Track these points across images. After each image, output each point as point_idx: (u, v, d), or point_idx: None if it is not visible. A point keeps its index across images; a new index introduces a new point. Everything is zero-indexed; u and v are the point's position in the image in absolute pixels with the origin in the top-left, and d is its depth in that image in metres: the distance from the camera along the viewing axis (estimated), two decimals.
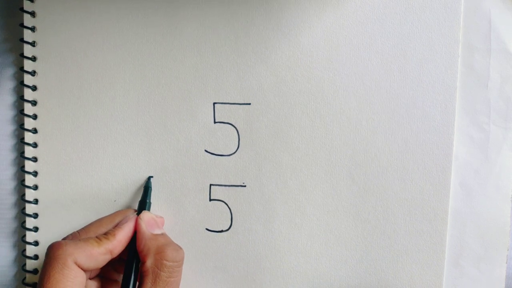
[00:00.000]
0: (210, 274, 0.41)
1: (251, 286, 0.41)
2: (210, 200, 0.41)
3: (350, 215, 0.40)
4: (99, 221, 0.38)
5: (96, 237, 0.36)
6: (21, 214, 0.42)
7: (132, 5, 0.41)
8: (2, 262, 0.43)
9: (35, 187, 0.42)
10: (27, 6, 0.41)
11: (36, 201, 0.42)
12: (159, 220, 0.39)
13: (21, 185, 0.42)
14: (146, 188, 0.40)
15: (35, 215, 0.41)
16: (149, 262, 0.35)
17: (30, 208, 0.41)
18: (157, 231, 0.38)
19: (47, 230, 0.42)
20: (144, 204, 0.39)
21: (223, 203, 0.41)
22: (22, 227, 0.42)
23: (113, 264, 0.38)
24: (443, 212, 0.40)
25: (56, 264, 0.33)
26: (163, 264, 0.35)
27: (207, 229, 0.41)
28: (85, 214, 0.41)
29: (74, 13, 0.41)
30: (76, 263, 0.34)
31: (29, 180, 0.41)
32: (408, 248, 0.40)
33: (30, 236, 0.42)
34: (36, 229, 0.42)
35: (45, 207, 0.42)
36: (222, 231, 0.41)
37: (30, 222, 0.42)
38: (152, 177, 0.41)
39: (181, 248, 0.37)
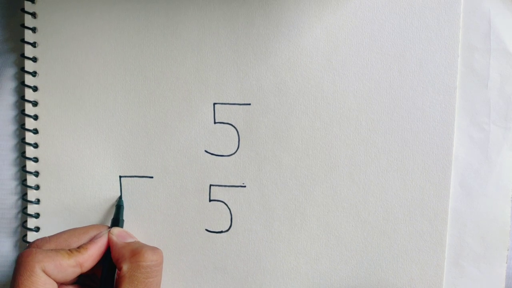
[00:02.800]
0: (210, 275, 0.41)
1: (251, 286, 0.41)
2: (210, 200, 0.41)
3: (350, 215, 0.40)
4: (72, 231, 0.38)
5: (69, 249, 0.36)
6: (22, 214, 0.42)
7: (133, 6, 0.41)
8: (2, 262, 0.43)
9: (37, 187, 0.42)
10: (28, 7, 0.41)
11: (37, 201, 0.42)
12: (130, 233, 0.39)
13: (22, 185, 0.42)
14: (118, 207, 0.41)
15: (37, 215, 0.42)
16: (125, 267, 0.35)
17: (31, 208, 0.42)
18: (130, 240, 0.38)
19: (48, 230, 0.42)
20: (117, 222, 0.39)
21: (223, 204, 0.41)
22: (23, 227, 0.42)
23: (91, 278, 0.38)
24: (443, 212, 0.40)
25: (24, 271, 0.33)
26: (140, 266, 0.35)
27: (206, 229, 0.41)
28: (86, 214, 0.42)
29: (75, 14, 0.41)
30: (44, 271, 0.33)
31: (31, 180, 0.42)
32: (408, 248, 0.40)
33: (31, 236, 0.42)
34: (37, 229, 0.42)
35: (46, 207, 0.42)
36: (222, 231, 0.41)
37: (31, 222, 0.42)
38: (121, 196, 0.41)
39: (158, 249, 0.37)
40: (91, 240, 0.37)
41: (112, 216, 0.40)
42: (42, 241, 0.36)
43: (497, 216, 0.40)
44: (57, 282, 0.35)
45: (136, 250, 0.35)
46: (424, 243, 0.40)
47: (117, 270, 0.36)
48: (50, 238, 0.37)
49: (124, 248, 0.36)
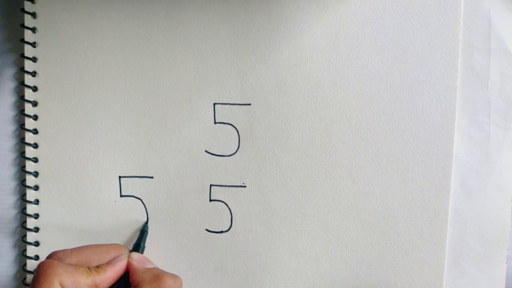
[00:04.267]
0: (210, 275, 0.41)
1: (251, 286, 0.41)
2: (210, 200, 0.41)
3: (350, 215, 0.40)
4: (95, 247, 0.38)
5: (88, 267, 0.36)
6: (22, 214, 0.42)
7: (133, 6, 0.41)
8: (2, 262, 0.43)
9: (36, 188, 0.42)
10: (27, 7, 0.41)
11: (37, 202, 0.42)
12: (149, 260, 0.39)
13: (21, 185, 0.42)
14: (142, 232, 0.41)
15: (36, 216, 0.42)
16: None
17: (31, 209, 0.42)
18: (149, 266, 0.38)
19: (48, 230, 0.42)
20: (138, 247, 0.40)
21: (223, 204, 0.41)
22: (22, 227, 0.42)
23: None
24: (443, 212, 0.40)
25: (44, 282, 0.34)
26: None
27: (207, 229, 0.41)
28: (86, 214, 0.41)
29: (75, 14, 0.41)
30: (61, 285, 0.34)
31: (30, 180, 0.42)
32: (408, 248, 0.40)
33: (30, 236, 0.42)
34: (37, 230, 0.42)
35: (46, 207, 0.42)
36: (222, 231, 0.41)
37: (31, 223, 0.42)
38: (147, 222, 0.41)
39: (178, 276, 0.37)
40: (110, 262, 0.37)
41: (114, 210, 0.40)
42: (64, 254, 0.37)
43: (497, 216, 0.40)
44: None
45: (158, 276, 0.36)
46: (424, 243, 0.40)
47: None
48: (72, 251, 0.37)
49: (145, 273, 0.37)
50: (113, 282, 0.37)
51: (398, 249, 0.40)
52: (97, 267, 0.37)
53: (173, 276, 0.37)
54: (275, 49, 0.40)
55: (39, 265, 0.35)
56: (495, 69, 0.39)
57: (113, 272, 0.37)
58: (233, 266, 0.41)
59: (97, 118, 0.41)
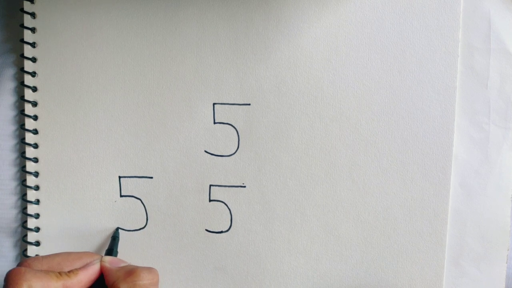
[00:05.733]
0: (210, 275, 0.41)
1: (251, 286, 0.41)
2: (210, 200, 0.41)
3: (350, 215, 0.40)
4: (66, 255, 0.37)
5: (58, 272, 0.35)
6: (22, 214, 0.42)
7: (132, 6, 0.41)
8: (2, 262, 0.43)
9: (36, 188, 0.42)
10: (27, 7, 0.41)
11: (37, 202, 0.42)
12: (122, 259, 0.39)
13: (22, 185, 0.42)
14: (114, 238, 0.41)
15: (37, 216, 0.42)
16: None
17: (31, 209, 0.42)
18: (123, 264, 0.37)
19: (48, 230, 0.42)
20: (111, 252, 0.39)
21: (222, 204, 0.41)
22: (23, 227, 0.42)
23: None
24: (443, 212, 0.40)
25: None
26: (136, 285, 0.35)
27: (206, 230, 0.41)
28: (86, 214, 0.42)
29: (74, 14, 0.41)
30: None
31: (30, 180, 0.42)
32: (408, 248, 0.40)
33: (31, 236, 0.42)
34: (37, 230, 0.42)
35: (46, 207, 0.42)
36: (221, 232, 0.41)
37: (31, 223, 0.42)
38: (118, 228, 0.41)
39: (153, 268, 0.37)
40: (83, 267, 0.37)
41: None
42: (35, 261, 0.36)
43: (497, 216, 0.40)
44: None
45: (132, 271, 0.36)
46: (424, 243, 0.40)
47: None
48: (43, 258, 0.37)
49: (118, 271, 0.36)
50: (86, 286, 0.36)
51: (398, 249, 0.40)
52: (69, 271, 0.36)
53: (148, 268, 0.36)
54: (275, 49, 0.40)
55: (7, 273, 0.34)
56: (495, 69, 0.39)
57: (86, 276, 0.36)
58: (233, 266, 0.41)
59: (97, 118, 0.41)
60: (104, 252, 0.41)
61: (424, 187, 0.40)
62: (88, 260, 0.37)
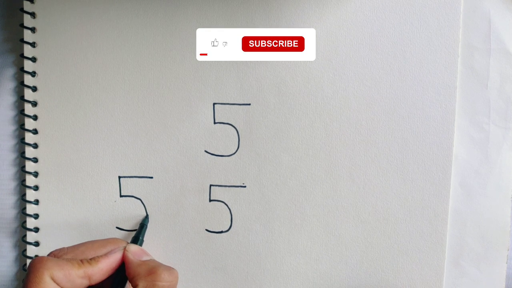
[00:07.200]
0: (210, 275, 0.41)
1: (251, 286, 0.41)
2: (210, 200, 0.41)
3: (350, 215, 0.40)
4: (91, 243, 0.38)
5: (80, 260, 0.36)
6: (22, 214, 0.42)
7: (132, 6, 0.41)
8: (2, 262, 0.43)
9: (36, 188, 0.42)
10: (27, 7, 0.41)
11: (37, 202, 0.42)
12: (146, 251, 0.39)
13: (21, 185, 0.42)
14: (142, 225, 0.41)
15: (36, 216, 0.42)
16: (141, 285, 0.35)
17: (31, 209, 0.42)
18: (146, 258, 0.37)
19: (48, 230, 0.42)
20: (136, 241, 0.39)
21: (223, 204, 0.41)
22: (22, 227, 0.42)
23: None
24: (443, 212, 0.40)
25: (34, 277, 0.33)
26: (155, 285, 0.35)
27: (207, 230, 0.41)
28: (86, 214, 0.42)
29: (74, 14, 0.41)
30: (53, 279, 0.34)
31: (30, 180, 0.42)
32: (408, 248, 0.40)
33: (30, 237, 0.42)
34: (36, 230, 0.42)
35: (46, 207, 0.42)
36: (222, 231, 0.41)
37: (31, 223, 0.42)
38: (147, 216, 0.41)
39: (174, 269, 0.36)
40: (105, 254, 0.37)
41: (114, 214, 0.40)
42: (60, 251, 0.36)
43: (497, 216, 0.40)
44: None
45: (153, 270, 0.35)
46: (424, 243, 0.40)
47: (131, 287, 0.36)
48: (68, 248, 0.37)
49: (140, 266, 0.36)
50: (108, 274, 0.36)
51: (398, 249, 0.40)
52: (91, 259, 0.36)
53: (169, 268, 0.36)
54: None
55: (30, 263, 0.34)
56: (495, 69, 0.39)
57: (107, 264, 0.36)
58: (233, 266, 0.41)
59: (96, 118, 0.41)
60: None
61: (424, 187, 0.40)
62: (112, 247, 0.37)
